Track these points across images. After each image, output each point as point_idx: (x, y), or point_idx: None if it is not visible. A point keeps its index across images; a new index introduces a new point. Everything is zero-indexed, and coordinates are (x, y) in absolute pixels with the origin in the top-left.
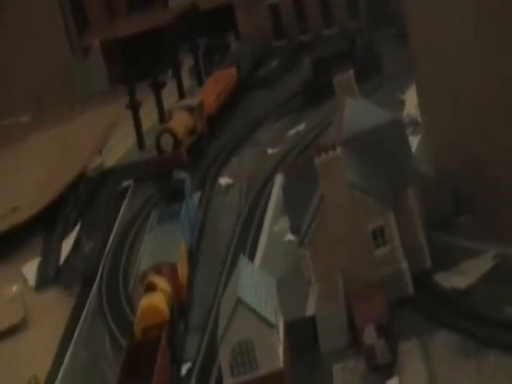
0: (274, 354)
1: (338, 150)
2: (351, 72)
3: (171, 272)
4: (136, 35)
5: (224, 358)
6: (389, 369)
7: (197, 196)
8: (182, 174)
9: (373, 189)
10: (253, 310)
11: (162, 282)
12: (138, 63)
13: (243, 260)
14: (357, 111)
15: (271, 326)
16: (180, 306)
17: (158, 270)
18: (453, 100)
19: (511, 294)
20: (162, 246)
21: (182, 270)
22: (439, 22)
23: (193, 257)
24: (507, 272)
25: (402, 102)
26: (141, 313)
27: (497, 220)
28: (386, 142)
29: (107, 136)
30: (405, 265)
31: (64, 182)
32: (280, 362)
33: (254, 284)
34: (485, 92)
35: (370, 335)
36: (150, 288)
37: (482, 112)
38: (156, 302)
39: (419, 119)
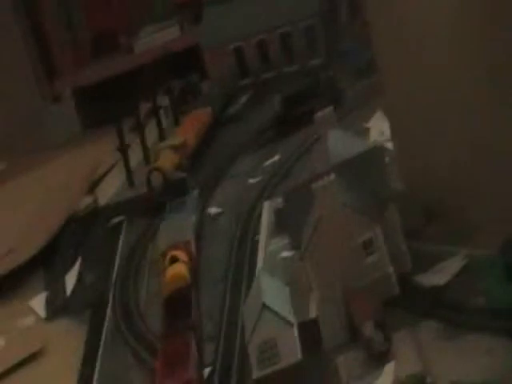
0: (294, 348)
1: (332, 176)
2: (331, 108)
3: (186, 246)
4: (106, 80)
5: (252, 355)
6: (386, 355)
7: (196, 192)
8: (180, 174)
9: (362, 207)
10: (276, 313)
11: (181, 255)
12: (111, 107)
13: (262, 272)
14: (340, 142)
15: (291, 325)
16: (194, 273)
17: (176, 246)
18: (422, 122)
19: (480, 287)
20: (175, 228)
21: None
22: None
23: (199, 237)
24: (475, 270)
25: (367, 130)
26: (169, 278)
27: (464, 225)
28: (369, 166)
29: (91, 177)
30: (391, 269)
31: (57, 222)
32: (299, 355)
33: (273, 291)
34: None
35: (368, 329)
36: (173, 260)
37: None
38: (180, 270)
39: (385, 144)
